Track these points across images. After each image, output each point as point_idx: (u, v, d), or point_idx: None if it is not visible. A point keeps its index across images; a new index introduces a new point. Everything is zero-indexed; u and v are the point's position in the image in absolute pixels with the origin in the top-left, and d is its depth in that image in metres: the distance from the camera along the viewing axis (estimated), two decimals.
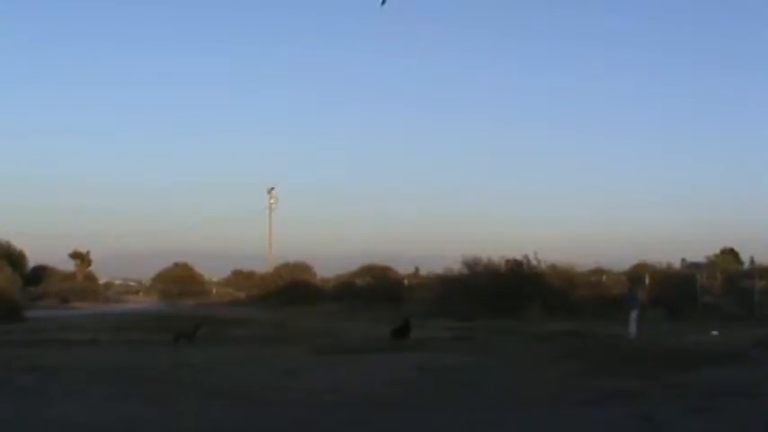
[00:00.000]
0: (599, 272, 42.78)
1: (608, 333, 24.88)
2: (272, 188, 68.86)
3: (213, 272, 73.17)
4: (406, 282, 51.48)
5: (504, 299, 35.05)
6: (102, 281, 72.88)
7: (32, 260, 63.70)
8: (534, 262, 38.54)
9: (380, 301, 42.00)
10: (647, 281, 37.23)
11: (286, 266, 59.01)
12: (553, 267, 39.31)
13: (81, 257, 69.11)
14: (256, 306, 48.98)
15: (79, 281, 66.36)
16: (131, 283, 79.90)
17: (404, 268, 56.84)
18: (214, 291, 64.24)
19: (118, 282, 79.79)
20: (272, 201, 68.66)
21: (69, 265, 69.43)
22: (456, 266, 40.91)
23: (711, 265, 44.07)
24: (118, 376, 14.87)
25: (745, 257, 49.07)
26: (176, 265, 65.38)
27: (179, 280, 62.20)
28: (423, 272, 56.91)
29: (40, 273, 64.27)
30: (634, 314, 24.88)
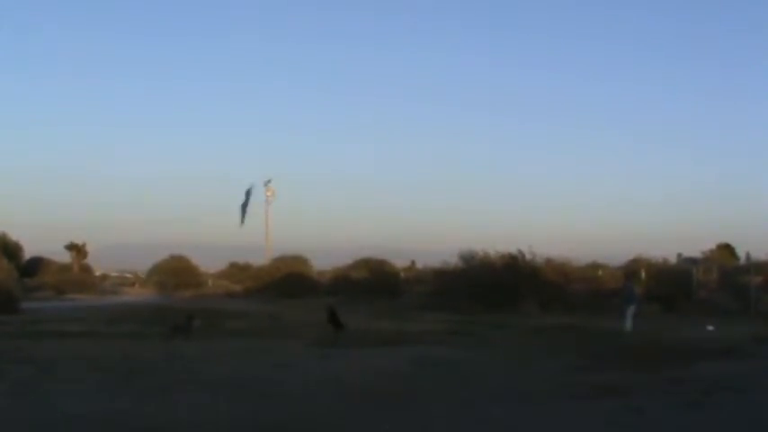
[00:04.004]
0: (595, 266, 42.85)
1: (604, 328, 24.92)
2: (269, 181, 68.90)
3: (209, 264, 73.21)
4: (402, 275, 51.51)
5: (500, 293, 35.06)
6: (98, 273, 72.85)
7: (28, 251, 63.80)
8: (530, 256, 38.56)
9: (377, 294, 42.04)
10: (642, 276, 37.28)
11: (282, 259, 59.01)
12: (549, 262, 39.31)
13: (77, 249, 69.04)
14: (253, 298, 48.98)
15: (75, 272, 66.29)
16: (127, 275, 79.87)
17: (400, 261, 56.99)
18: (210, 283, 64.19)
19: (114, 274, 79.79)
20: (268, 193, 68.66)
21: (65, 257, 69.42)
22: (452, 260, 40.91)
23: (707, 260, 44.17)
24: (114, 368, 14.85)
25: (741, 253, 49.26)
26: (172, 257, 65.26)
27: (175, 272, 62.08)
28: (419, 265, 57.08)
29: (36, 264, 64.25)
30: (630, 309, 24.93)
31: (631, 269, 39.40)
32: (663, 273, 38.74)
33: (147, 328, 24.55)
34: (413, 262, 59.16)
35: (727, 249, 49.99)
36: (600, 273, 41.20)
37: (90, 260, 72.13)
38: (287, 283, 51.68)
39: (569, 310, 32.80)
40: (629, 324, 24.46)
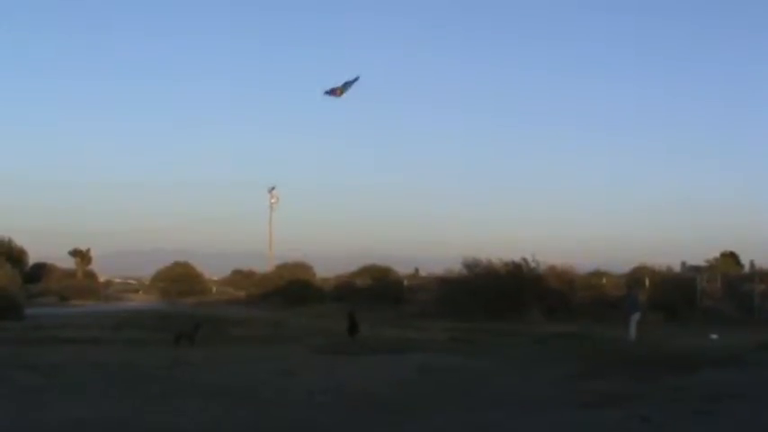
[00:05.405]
0: (599, 274, 42.79)
1: (608, 336, 24.87)
2: (273, 187, 68.93)
3: (213, 271, 73.28)
4: (405, 282, 51.45)
5: (504, 300, 35.05)
6: (102, 279, 72.83)
7: (33, 257, 63.80)
8: (533, 264, 38.55)
9: (380, 302, 42.00)
10: (646, 284, 37.23)
11: (286, 266, 58.99)
12: (552, 269, 39.29)
13: (81, 255, 69.09)
14: (256, 305, 48.94)
15: (79, 279, 66.30)
16: (131, 282, 79.83)
17: (404, 269, 56.95)
18: (214, 290, 64.19)
19: (118, 280, 79.74)
20: (272, 200, 68.67)
21: (69, 263, 69.45)
22: (456, 268, 40.94)
23: (711, 268, 44.08)
24: (117, 375, 14.86)
25: (745, 261, 49.17)
26: (176, 263, 65.34)
27: (179, 279, 62.15)
28: (422, 273, 56.98)
29: (40, 270, 64.25)
30: (634, 317, 24.88)
31: (635, 277, 39.37)
32: (667, 281, 38.70)
33: (150, 335, 24.56)
34: (416, 269, 59.08)
35: (731, 257, 49.82)
36: (603, 281, 41.15)
37: (94, 266, 72.20)
38: (290, 290, 51.63)
39: (573, 317, 32.77)
40: (632, 332, 24.42)
